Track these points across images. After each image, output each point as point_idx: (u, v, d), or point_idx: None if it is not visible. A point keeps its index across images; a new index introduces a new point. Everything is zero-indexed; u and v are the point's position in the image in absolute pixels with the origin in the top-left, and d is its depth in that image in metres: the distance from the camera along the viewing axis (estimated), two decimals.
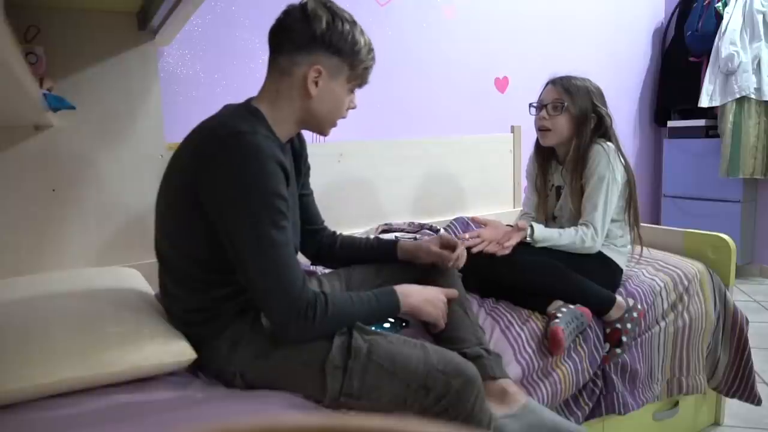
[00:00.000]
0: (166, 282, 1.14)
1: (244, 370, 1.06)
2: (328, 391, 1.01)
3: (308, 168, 1.35)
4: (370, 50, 1.13)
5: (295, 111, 1.11)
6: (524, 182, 1.94)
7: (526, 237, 1.50)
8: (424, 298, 1.17)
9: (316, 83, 1.08)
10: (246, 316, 1.10)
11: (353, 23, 1.10)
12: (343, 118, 1.18)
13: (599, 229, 1.52)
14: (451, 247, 1.34)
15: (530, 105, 1.69)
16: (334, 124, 1.18)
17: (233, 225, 0.98)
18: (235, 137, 0.98)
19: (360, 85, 1.16)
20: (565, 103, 1.58)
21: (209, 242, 1.03)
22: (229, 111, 1.10)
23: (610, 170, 1.53)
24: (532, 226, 1.51)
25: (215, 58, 2.05)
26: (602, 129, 1.59)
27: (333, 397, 1.01)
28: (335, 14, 1.07)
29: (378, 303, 1.11)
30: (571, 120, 1.59)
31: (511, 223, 1.61)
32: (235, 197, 0.97)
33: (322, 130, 1.17)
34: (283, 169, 1.01)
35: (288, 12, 1.09)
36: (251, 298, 1.07)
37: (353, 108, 1.19)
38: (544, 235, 1.51)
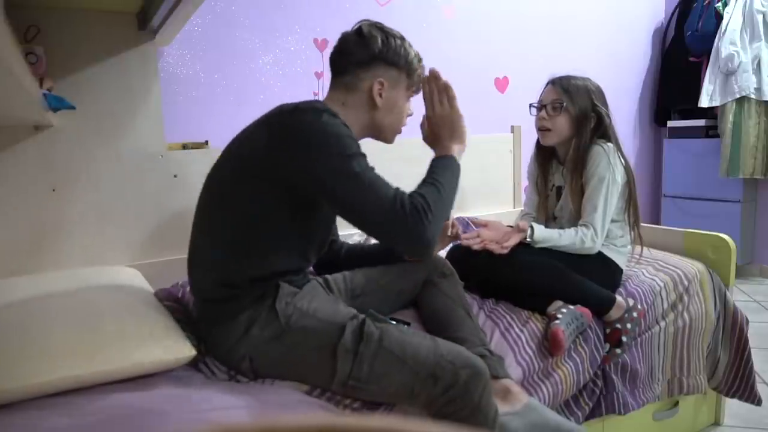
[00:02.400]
0: (203, 249, 1.16)
1: (254, 355, 1.07)
2: (338, 374, 1.02)
3: None
4: (420, 59, 1.26)
5: (360, 121, 1.22)
6: (524, 182, 1.94)
7: (526, 237, 1.50)
8: (452, 138, 1.22)
9: (381, 94, 1.20)
10: (264, 302, 1.11)
11: (402, 39, 1.23)
12: (404, 126, 1.29)
13: (599, 230, 1.52)
14: None
15: (530, 105, 1.69)
16: (397, 132, 1.29)
17: (324, 176, 1.04)
18: (313, 109, 1.07)
19: (416, 92, 1.28)
20: (565, 103, 1.58)
21: (264, 212, 1.09)
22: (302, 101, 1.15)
23: (610, 171, 1.53)
24: (532, 227, 1.51)
25: (215, 58, 2.05)
26: (602, 128, 1.59)
27: (342, 381, 1.03)
28: (387, 33, 1.21)
29: (449, 173, 1.16)
30: (571, 120, 1.59)
31: (512, 224, 1.62)
32: (317, 156, 1.03)
33: (386, 138, 1.29)
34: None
35: (344, 39, 1.22)
36: (270, 285, 1.11)
37: (410, 115, 1.30)
38: (544, 235, 1.51)
